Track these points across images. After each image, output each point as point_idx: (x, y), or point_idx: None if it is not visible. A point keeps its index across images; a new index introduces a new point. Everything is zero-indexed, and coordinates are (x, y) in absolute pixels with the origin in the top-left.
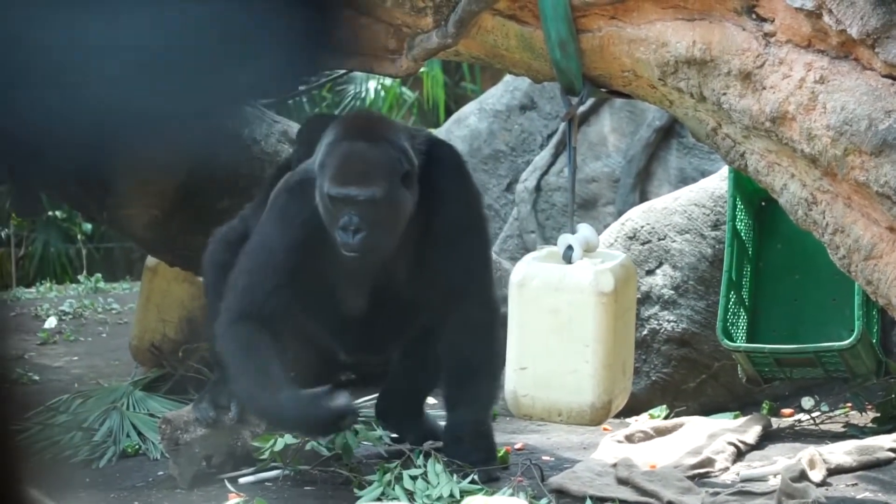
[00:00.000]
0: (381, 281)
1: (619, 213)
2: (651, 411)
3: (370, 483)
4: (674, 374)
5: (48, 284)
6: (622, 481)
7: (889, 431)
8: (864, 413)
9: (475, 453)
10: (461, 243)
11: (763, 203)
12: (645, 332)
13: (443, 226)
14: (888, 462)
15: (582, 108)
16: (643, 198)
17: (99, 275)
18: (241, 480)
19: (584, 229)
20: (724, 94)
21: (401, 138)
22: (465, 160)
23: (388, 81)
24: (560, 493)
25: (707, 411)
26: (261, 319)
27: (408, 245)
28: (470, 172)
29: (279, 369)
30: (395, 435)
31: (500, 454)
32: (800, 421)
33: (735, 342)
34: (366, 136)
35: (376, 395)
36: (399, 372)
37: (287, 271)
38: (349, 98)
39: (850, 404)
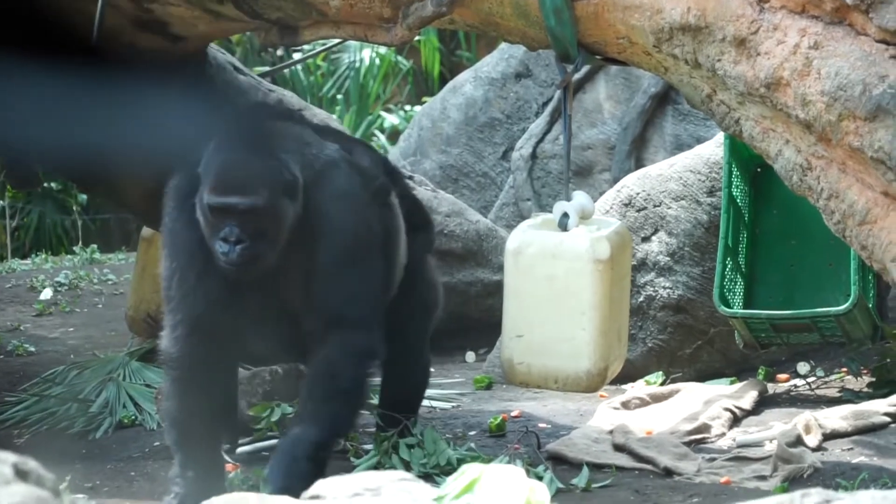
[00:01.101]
0: (271, 300)
1: (615, 181)
2: (647, 378)
3: (367, 452)
4: (670, 340)
5: (44, 256)
6: (619, 448)
7: (884, 396)
8: (859, 378)
9: (285, 479)
10: (341, 273)
11: (759, 169)
12: (641, 299)
13: (325, 253)
14: (883, 426)
15: (577, 76)
16: (639, 165)
17: (94, 246)
18: (239, 450)
19: (580, 197)
20: (719, 60)
21: (285, 149)
22: (356, 192)
23: (383, 50)
24: (556, 459)
25: (703, 377)
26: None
27: (296, 265)
28: (361, 201)
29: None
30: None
31: (496, 422)
32: (796, 386)
33: (732, 308)
34: (247, 146)
35: None
36: (386, 376)
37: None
38: (344, 67)
39: (845, 369)
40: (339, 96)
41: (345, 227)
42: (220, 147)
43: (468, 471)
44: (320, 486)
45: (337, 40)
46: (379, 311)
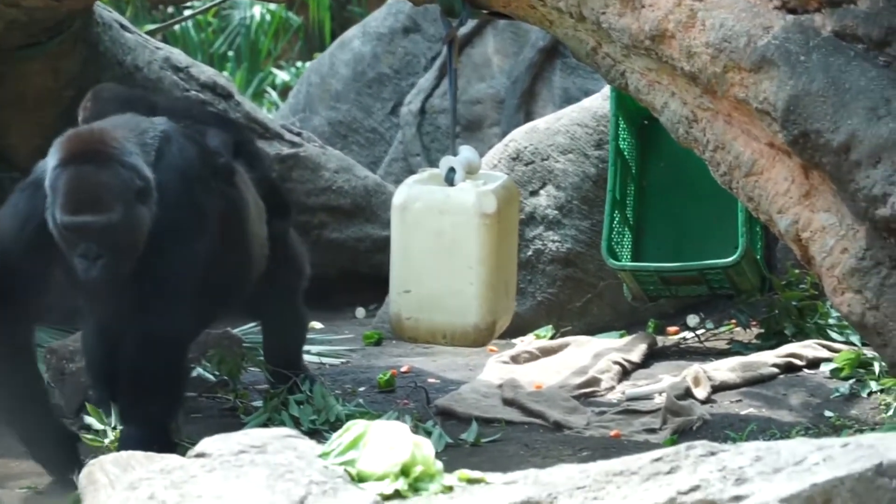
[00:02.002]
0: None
1: (504, 135)
2: (537, 332)
3: (256, 409)
4: (559, 294)
5: None
6: (508, 402)
7: (773, 347)
8: (748, 330)
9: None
10: (163, 253)
11: (645, 122)
12: (530, 253)
13: (153, 231)
14: (771, 378)
15: (463, 30)
16: (528, 118)
17: None
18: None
19: (466, 151)
20: (604, 12)
21: (129, 152)
22: (188, 166)
23: (273, 7)
24: (446, 414)
25: (593, 331)
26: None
27: None
28: (191, 176)
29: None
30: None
31: (385, 377)
32: (685, 339)
33: (620, 261)
34: (92, 158)
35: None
36: (266, 332)
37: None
38: (235, 23)
39: (734, 321)
40: (231, 53)
41: (172, 201)
42: (64, 160)
43: (354, 426)
44: (206, 443)
45: None
46: (190, 294)
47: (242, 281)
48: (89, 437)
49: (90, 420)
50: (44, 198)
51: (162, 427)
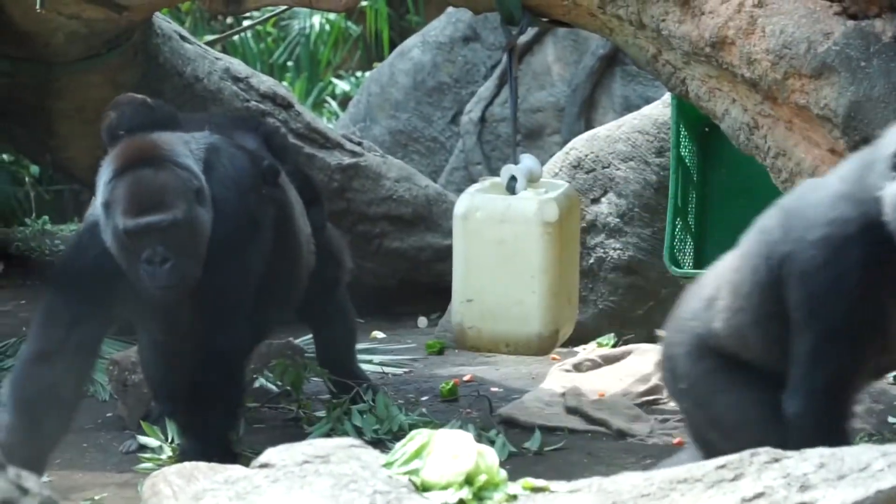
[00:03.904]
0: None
1: (565, 143)
2: (599, 340)
3: (319, 419)
4: (621, 301)
5: None
6: (571, 410)
7: None
8: None
9: None
10: (221, 263)
11: (706, 129)
12: (591, 261)
13: (211, 241)
14: None
15: (523, 38)
16: (588, 126)
17: (46, 217)
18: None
19: (528, 159)
20: (664, 20)
21: (182, 154)
22: (242, 174)
23: (332, 16)
24: (509, 423)
25: (655, 339)
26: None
27: None
28: (246, 184)
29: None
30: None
31: (448, 387)
32: None
33: (682, 268)
34: (148, 162)
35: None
36: (315, 331)
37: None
38: (294, 33)
39: None
40: (290, 63)
41: (229, 214)
42: (119, 169)
43: (417, 436)
44: (269, 453)
45: (283, 7)
46: (247, 302)
47: (296, 282)
48: (146, 455)
49: (145, 440)
50: (100, 231)
51: (222, 439)
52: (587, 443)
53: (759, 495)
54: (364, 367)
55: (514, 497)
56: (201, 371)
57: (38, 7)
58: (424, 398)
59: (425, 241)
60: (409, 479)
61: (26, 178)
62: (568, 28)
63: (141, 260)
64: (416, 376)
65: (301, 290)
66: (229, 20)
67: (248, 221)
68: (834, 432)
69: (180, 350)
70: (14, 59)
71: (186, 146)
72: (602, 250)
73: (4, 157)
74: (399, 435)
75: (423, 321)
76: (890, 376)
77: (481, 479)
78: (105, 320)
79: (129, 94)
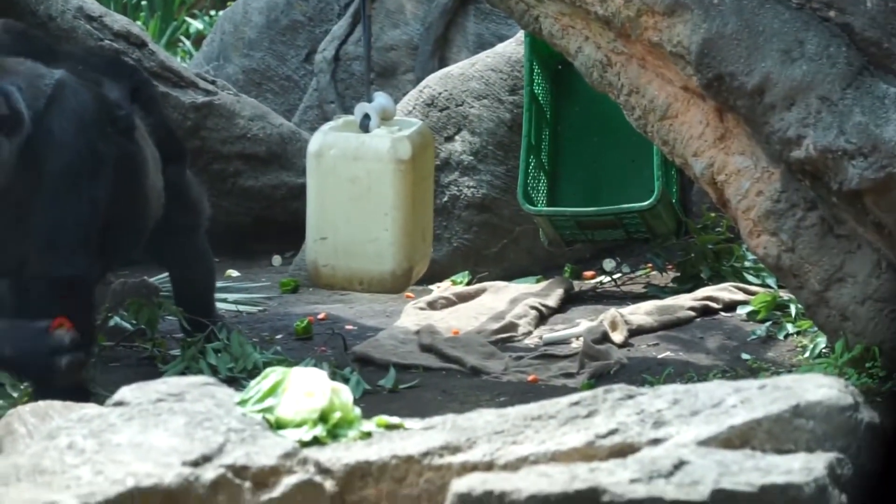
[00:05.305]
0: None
1: (419, 81)
2: (453, 277)
3: (174, 358)
4: (475, 239)
5: None
6: (425, 348)
7: (689, 290)
8: (664, 273)
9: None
10: (57, 197)
11: (560, 66)
12: (445, 199)
13: (47, 175)
14: (688, 321)
15: None
16: (442, 64)
17: None
18: None
19: (381, 97)
20: None
21: (8, 84)
22: (84, 113)
23: None
24: (363, 361)
25: (509, 276)
26: None
27: (26, 188)
28: (88, 122)
29: None
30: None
31: (302, 325)
32: (601, 283)
33: (536, 206)
34: None
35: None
36: (173, 277)
37: None
38: None
39: (650, 265)
40: (144, 2)
41: (67, 147)
42: None
43: (271, 374)
44: (124, 391)
45: None
46: (90, 236)
47: (138, 230)
48: None
49: None
50: None
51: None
52: (441, 380)
53: (613, 431)
54: (219, 305)
55: (369, 434)
56: (45, 301)
57: None
58: (279, 336)
59: (280, 180)
60: (264, 417)
61: None
62: None
63: None
64: (271, 314)
65: (143, 237)
66: None
67: (88, 153)
68: None
69: (23, 284)
70: None
71: (33, 80)
72: (456, 188)
73: None
74: (254, 373)
75: (277, 259)
76: (743, 312)
77: (336, 416)
78: None
79: (10, 20)
